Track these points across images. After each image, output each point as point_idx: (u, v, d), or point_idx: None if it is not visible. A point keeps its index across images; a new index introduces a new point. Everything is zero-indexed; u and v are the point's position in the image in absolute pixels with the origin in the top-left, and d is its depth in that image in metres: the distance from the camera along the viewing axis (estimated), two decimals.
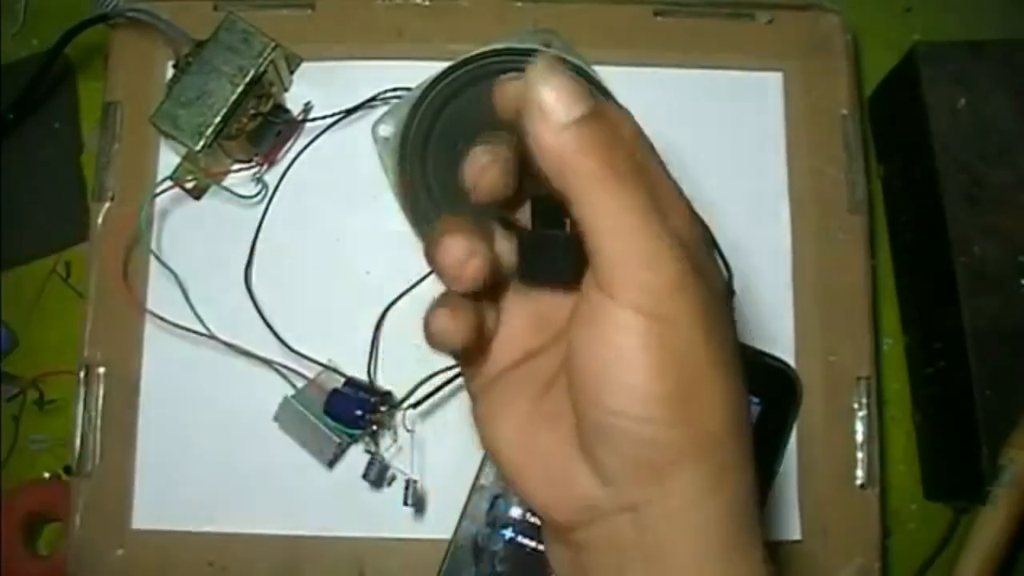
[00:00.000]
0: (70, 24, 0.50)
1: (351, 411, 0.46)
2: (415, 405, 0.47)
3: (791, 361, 0.49)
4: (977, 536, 0.48)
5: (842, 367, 0.49)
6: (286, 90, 0.52)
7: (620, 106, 0.28)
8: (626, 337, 0.24)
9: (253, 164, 0.51)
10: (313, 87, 0.52)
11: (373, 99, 0.51)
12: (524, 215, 0.30)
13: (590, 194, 0.24)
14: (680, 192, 0.27)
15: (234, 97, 0.48)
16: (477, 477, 0.46)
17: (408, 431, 0.47)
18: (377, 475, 0.47)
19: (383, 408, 0.46)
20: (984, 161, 0.50)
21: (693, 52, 0.53)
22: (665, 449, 0.24)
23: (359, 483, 0.47)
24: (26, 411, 0.52)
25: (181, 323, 0.48)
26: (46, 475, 0.52)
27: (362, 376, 0.48)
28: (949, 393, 0.51)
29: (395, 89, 0.51)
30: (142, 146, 0.51)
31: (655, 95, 0.52)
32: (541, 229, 0.28)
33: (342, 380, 0.48)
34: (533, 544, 0.45)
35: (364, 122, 0.51)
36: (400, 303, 0.49)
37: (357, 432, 0.46)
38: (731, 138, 0.52)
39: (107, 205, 0.50)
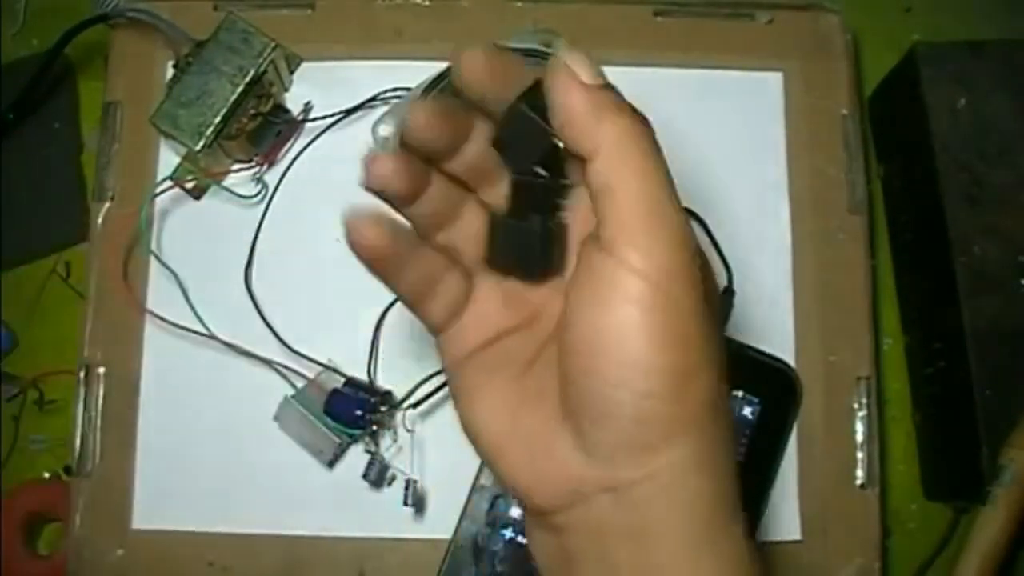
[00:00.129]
0: (70, 24, 0.50)
1: (351, 411, 0.46)
2: (415, 405, 0.47)
3: (791, 361, 0.49)
4: (977, 536, 0.48)
5: (842, 367, 0.49)
6: (286, 90, 0.52)
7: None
8: (630, 306, 0.24)
9: (253, 164, 0.51)
10: (313, 87, 0.52)
11: (373, 99, 0.51)
12: (497, 194, 0.29)
13: (620, 150, 0.24)
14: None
15: (234, 97, 0.48)
16: (477, 477, 0.46)
17: (408, 431, 0.47)
18: (377, 475, 0.47)
19: (383, 408, 0.46)
20: (984, 161, 0.50)
21: (693, 52, 0.53)
22: (659, 424, 0.24)
23: (359, 483, 0.47)
24: (26, 411, 0.52)
25: (181, 323, 0.48)
26: (46, 475, 0.52)
27: (362, 376, 0.48)
28: (949, 393, 0.51)
29: (395, 89, 0.51)
30: (142, 146, 0.51)
31: (655, 95, 0.51)
32: (516, 218, 0.28)
33: (342, 380, 0.48)
34: None
35: (364, 122, 0.51)
36: (400, 303, 0.49)
37: (357, 432, 0.46)
38: (731, 138, 0.52)
39: (107, 205, 0.50)
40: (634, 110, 0.25)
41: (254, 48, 0.48)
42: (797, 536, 0.48)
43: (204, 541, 0.47)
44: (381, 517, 0.47)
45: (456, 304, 0.29)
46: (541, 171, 0.27)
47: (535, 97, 0.26)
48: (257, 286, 0.50)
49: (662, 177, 0.24)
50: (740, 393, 0.48)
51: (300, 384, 0.48)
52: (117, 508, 0.47)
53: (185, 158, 0.50)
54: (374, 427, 0.46)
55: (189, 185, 0.50)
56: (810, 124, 0.52)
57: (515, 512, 0.46)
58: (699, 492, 0.25)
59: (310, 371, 0.48)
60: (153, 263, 0.50)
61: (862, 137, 0.52)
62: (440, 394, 0.47)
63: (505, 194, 0.29)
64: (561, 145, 0.26)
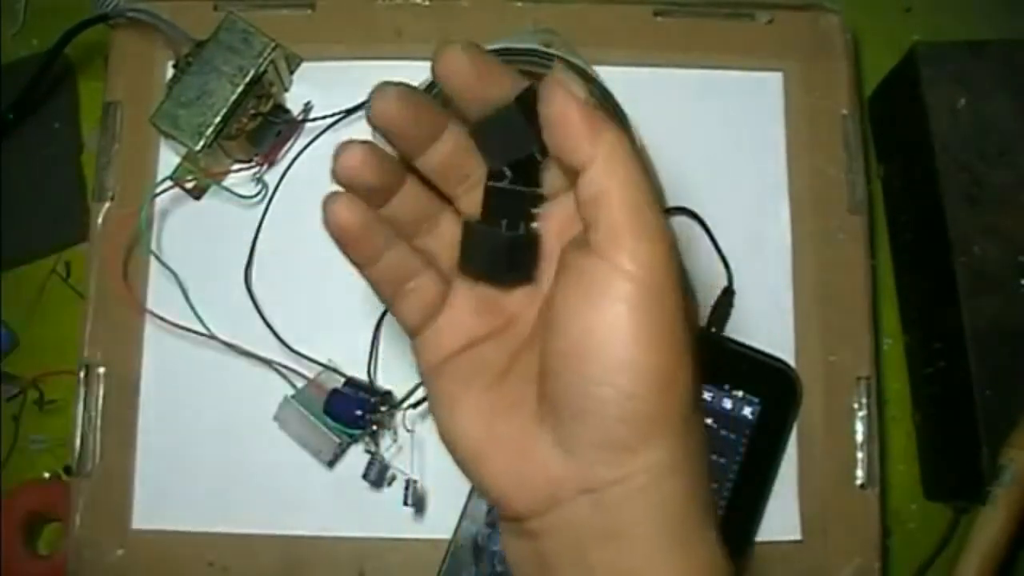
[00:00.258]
0: (70, 24, 0.50)
1: (351, 411, 0.46)
2: (415, 405, 0.47)
3: (791, 361, 0.49)
4: (977, 536, 0.48)
5: (842, 367, 0.49)
6: (286, 90, 0.52)
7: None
8: (620, 306, 0.25)
9: (253, 164, 0.51)
10: (313, 87, 0.52)
11: None
12: (473, 200, 0.30)
13: (612, 161, 0.25)
14: None
15: (234, 97, 0.48)
16: None
17: (408, 431, 0.47)
18: (377, 475, 0.47)
19: (383, 408, 0.46)
20: (984, 161, 0.50)
21: (693, 52, 0.53)
22: (639, 424, 0.25)
23: (359, 483, 0.47)
24: (26, 411, 0.52)
25: (181, 323, 0.48)
26: (46, 475, 0.52)
27: (362, 376, 0.48)
28: (949, 393, 0.51)
29: None
30: (142, 146, 0.51)
31: (655, 95, 0.52)
32: (488, 224, 0.29)
33: (342, 380, 0.48)
34: None
35: (364, 122, 0.50)
36: None
37: (357, 432, 0.46)
38: (731, 138, 0.52)
39: (107, 205, 0.50)
40: (615, 123, 0.27)
41: (254, 48, 0.48)
42: (797, 536, 0.48)
43: (204, 541, 0.47)
44: (381, 517, 0.47)
45: (431, 307, 0.30)
46: (508, 172, 0.28)
47: (525, 103, 0.27)
48: (257, 286, 0.50)
49: (646, 184, 0.26)
50: (740, 393, 0.48)
51: (300, 384, 0.48)
52: (117, 508, 0.47)
53: (185, 158, 0.50)
54: (374, 427, 0.46)
55: (189, 185, 0.50)
56: (810, 124, 0.52)
57: None
58: (673, 495, 0.26)
59: (310, 371, 0.48)
60: (153, 263, 0.50)
61: (862, 137, 0.52)
62: None
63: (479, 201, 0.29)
64: (538, 156, 0.27)
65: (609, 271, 0.25)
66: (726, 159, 0.52)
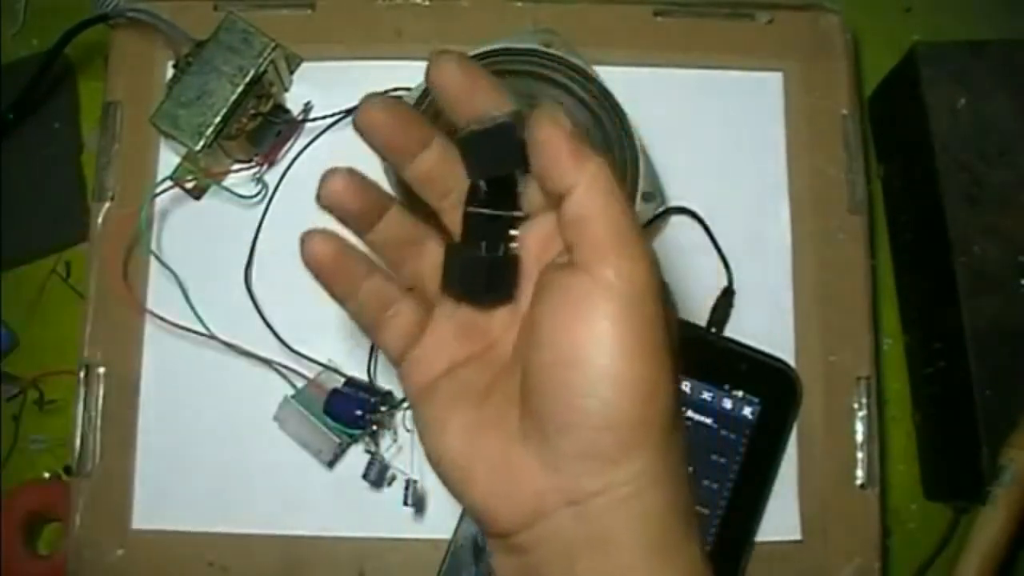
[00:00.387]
0: (70, 24, 0.50)
1: (351, 411, 0.46)
2: None
3: (791, 361, 0.49)
4: (977, 536, 0.48)
5: (842, 367, 0.50)
6: (286, 90, 0.52)
7: None
8: (606, 320, 0.26)
9: (253, 164, 0.51)
10: (313, 87, 0.52)
11: None
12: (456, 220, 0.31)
13: (595, 186, 0.26)
14: None
15: (234, 97, 0.48)
16: None
17: (408, 431, 0.47)
18: (377, 475, 0.47)
19: (383, 408, 0.46)
20: (984, 161, 0.50)
21: (693, 52, 0.53)
22: (623, 435, 0.26)
23: (359, 483, 0.47)
24: (26, 411, 0.52)
25: (181, 323, 0.48)
26: (46, 475, 0.52)
27: (362, 376, 0.48)
28: (949, 393, 0.51)
29: (395, 89, 0.51)
30: (142, 146, 0.51)
31: (655, 95, 0.52)
32: (470, 247, 0.30)
33: (342, 380, 0.48)
34: None
35: None
36: None
37: (357, 432, 0.46)
38: (731, 138, 0.52)
39: (107, 205, 0.50)
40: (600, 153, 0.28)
41: (254, 48, 0.48)
42: (797, 536, 0.48)
43: (204, 541, 0.47)
44: (381, 517, 0.47)
45: (411, 334, 0.31)
46: (484, 187, 0.29)
47: (514, 126, 0.28)
48: (257, 286, 0.50)
49: (626, 206, 0.27)
50: (740, 393, 0.48)
51: (300, 384, 0.48)
52: (117, 508, 0.47)
53: (185, 158, 0.50)
54: (374, 427, 0.46)
55: (189, 185, 0.50)
56: (810, 124, 0.52)
57: None
58: (655, 506, 0.26)
59: (310, 371, 0.48)
60: (153, 263, 0.50)
61: (862, 137, 0.52)
62: None
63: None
64: (519, 178, 0.29)
65: (594, 286, 0.26)
66: (726, 159, 0.52)
